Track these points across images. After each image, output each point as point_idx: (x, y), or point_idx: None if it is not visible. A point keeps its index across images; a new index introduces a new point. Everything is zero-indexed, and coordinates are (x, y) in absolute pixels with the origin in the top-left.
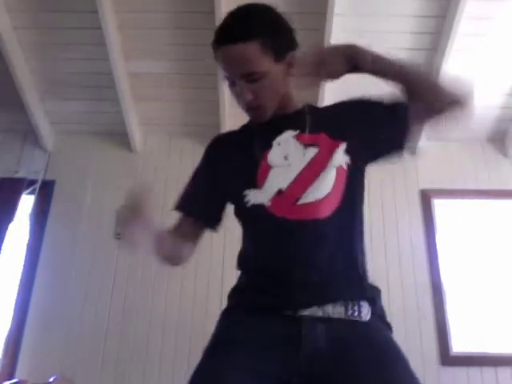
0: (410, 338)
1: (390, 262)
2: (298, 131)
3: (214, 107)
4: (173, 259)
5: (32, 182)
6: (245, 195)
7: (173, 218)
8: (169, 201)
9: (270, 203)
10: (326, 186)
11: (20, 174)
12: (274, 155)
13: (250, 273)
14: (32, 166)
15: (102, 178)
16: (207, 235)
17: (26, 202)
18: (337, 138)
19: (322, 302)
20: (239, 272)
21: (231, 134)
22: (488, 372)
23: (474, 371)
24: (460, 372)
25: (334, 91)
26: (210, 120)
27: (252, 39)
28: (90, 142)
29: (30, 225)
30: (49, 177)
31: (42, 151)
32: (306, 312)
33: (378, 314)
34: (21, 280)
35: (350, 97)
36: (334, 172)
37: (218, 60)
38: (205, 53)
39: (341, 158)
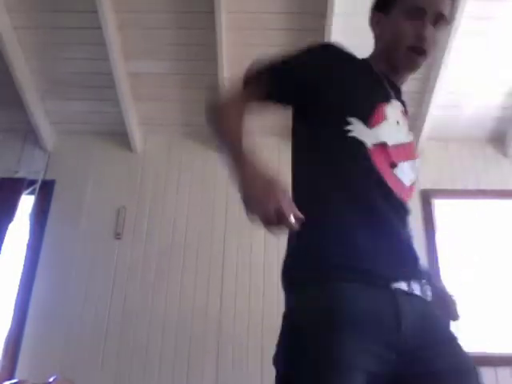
0: None
1: None
2: (402, 109)
3: None
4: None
5: (32, 182)
6: (348, 122)
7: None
8: (169, 201)
9: (371, 147)
10: (412, 176)
11: (20, 174)
12: (391, 113)
13: (334, 232)
14: (32, 166)
15: (102, 178)
16: (207, 235)
17: (26, 202)
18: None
19: (408, 278)
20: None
21: (351, 56)
22: (488, 372)
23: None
24: None
25: None
26: None
27: None
28: (90, 141)
29: (30, 225)
30: (49, 177)
31: (42, 151)
32: (396, 285)
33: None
34: (21, 280)
35: None
36: (415, 175)
37: None
38: (205, 53)
39: (418, 169)
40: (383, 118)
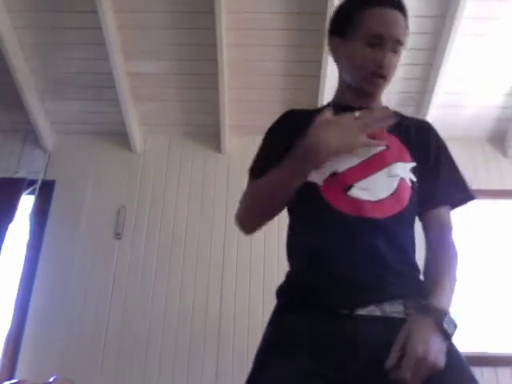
0: None
1: None
2: None
3: (214, 107)
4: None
5: (32, 182)
6: None
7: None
8: (169, 201)
9: (322, 184)
10: (383, 189)
11: (20, 174)
12: None
13: (302, 267)
14: (32, 166)
15: (102, 178)
16: (206, 235)
17: (26, 202)
18: (408, 149)
19: (379, 301)
20: (290, 262)
21: (305, 112)
22: (488, 372)
23: (473, 371)
24: None
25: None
26: (209, 120)
27: (406, 17)
28: (90, 141)
29: (30, 225)
30: (49, 177)
31: (42, 151)
32: (363, 311)
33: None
34: (21, 280)
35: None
36: (397, 180)
37: (370, 18)
38: (205, 53)
39: (405, 171)
40: None
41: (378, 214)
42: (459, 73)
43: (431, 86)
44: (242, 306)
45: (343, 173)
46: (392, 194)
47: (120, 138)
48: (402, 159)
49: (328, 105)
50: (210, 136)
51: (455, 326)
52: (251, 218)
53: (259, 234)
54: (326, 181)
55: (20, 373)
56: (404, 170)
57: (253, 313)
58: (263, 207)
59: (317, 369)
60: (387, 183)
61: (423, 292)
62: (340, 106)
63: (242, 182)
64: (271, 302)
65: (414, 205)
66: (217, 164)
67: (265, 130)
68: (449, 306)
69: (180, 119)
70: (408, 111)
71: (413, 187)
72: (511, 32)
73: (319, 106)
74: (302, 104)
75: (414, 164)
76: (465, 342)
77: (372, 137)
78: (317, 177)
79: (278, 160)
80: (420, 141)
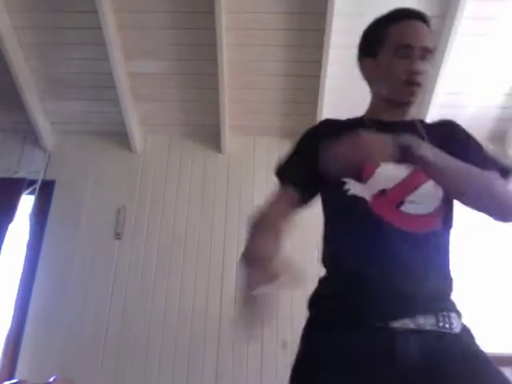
0: None
1: None
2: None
3: (214, 107)
4: None
5: (32, 182)
6: (344, 182)
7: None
8: (169, 201)
9: (372, 200)
10: (432, 201)
11: (20, 174)
12: None
13: (339, 277)
14: (32, 166)
15: (102, 178)
16: (206, 235)
17: (26, 202)
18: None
19: (413, 314)
20: (325, 270)
21: (339, 122)
22: None
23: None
24: None
25: (332, 105)
26: (210, 120)
27: (430, 28)
28: (90, 141)
29: (30, 225)
30: (49, 177)
31: (42, 151)
32: (397, 324)
33: (467, 327)
34: (21, 280)
35: (458, 124)
36: (440, 192)
37: (396, 31)
38: (205, 53)
39: None
40: (376, 166)
41: (425, 228)
42: (459, 73)
43: (431, 86)
44: None
45: (393, 189)
46: (439, 207)
47: (120, 138)
48: None
49: (362, 118)
50: (210, 136)
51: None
52: None
53: None
54: (376, 197)
55: (20, 373)
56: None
57: None
58: None
59: None
60: (435, 194)
61: (454, 305)
62: (374, 121)
63: (241, 181)
64: None
65: (451, 214)
66: (217, 164)
67: (265, 130)
68: (446, 162)
69: (180, 119)
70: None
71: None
72: (511, 32)
73: (348, 117)
74: (302, 104)
75: None
76: None
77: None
78: (364, 192)
79: (305, 168)
80: (449, 135)
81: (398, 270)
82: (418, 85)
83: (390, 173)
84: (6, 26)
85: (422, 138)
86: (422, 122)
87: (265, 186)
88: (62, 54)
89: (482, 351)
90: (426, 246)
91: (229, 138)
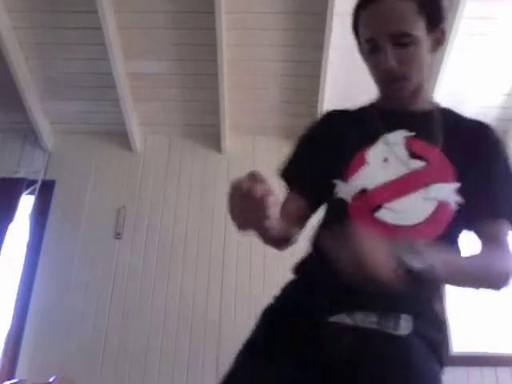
0: None
1: None
2: (412, 134)
3: (214, 107)
4: (279, 244)
5: (32, 182)
6: (335, 184)
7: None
8: (169, 201)
9: (350, 201)
10: (416, 213)
11: (20, 174)
12: (374, 153)
13: (303, 272)
14: (32, 166)
15: (102, 178)
16: (206, 235)
17: (26, 202)
18: (454, 165)
19: (351, 310)
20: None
21: (345, 113)
22: (488, 372)
23: (474, 371)
24: (460, 372)
25: (332, 104)
26: (210, 120)
27: (413, 2)
28: (89, 141)
29: (30, 225)
30: (49, 177)
31: (42, 151)
32: (334, 318)
33: (425, 335)
34: (21, 280)
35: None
36: (434, 204)
37: (361, 23)
38: (205, 53)
39: (447, 192)
40: (360, 164)
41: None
42: (459, 73)
43: (431, 86)
44: (241, 305)
45: (373, 191)
46: (426, 220)
47: (120, 138)
48: (443, 179)
49: (372, 107)
50: (210, 136)
51: (422, 265)
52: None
53: None
54: (355, 198)
55: (20, 373)
56: (445, 192)
57: (253, 313)
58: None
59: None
60: (422, 207)
61: (409, 306)
62: (381, 109)
63: None
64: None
65: (455, 231)
66: (217, 164)
67: (265, 130)
68: (441, 262)
69: (180, 119)
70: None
71: (457, 211)
72: (511, 32)
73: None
74: (302, 104)
75: (458, 185)
76: (465, 342)
77: (413, 151)
78: (345, 192)
79: (307, 164)
80: (473, 146)
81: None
82: (399, 79)
83: (375, 172)
84: (6, 26)
85: (437, 140)
86: (445, 111)
87: None
88: (62, 54)
89: (427, 365)
90: None
91: (229, 138)
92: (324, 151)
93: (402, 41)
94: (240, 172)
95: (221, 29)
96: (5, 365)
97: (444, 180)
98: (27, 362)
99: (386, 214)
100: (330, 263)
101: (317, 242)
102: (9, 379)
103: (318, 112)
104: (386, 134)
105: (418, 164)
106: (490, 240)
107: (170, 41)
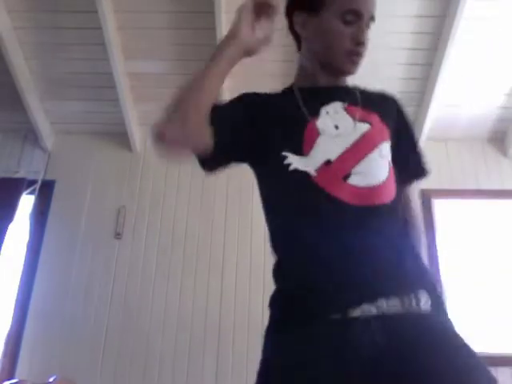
0: None
1: None
2: (347, 103)
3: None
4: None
5: (32, 182)
6: (284, 156)
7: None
8: (169, 201)
9: (316, 174)
10: (380, 171)
11: (20, 174)
12: (324, 122)
13: (292, 269)
14: (32, 166)
15: (102, 178)
16: (206, 235)
17: (26, 202)
18: (388, 125)
19: (373, 298)
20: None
21: (269, 94)
22: None
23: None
24: None
25: None
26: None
27: None
28: (89, 141)
29: (30, 225)
30: (49, 177)
31: (42, 151)
32: (357, 312)
33: (440, 304)
34: (21, 280)
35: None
36: (388, 161)
37: None
38: (205, 53)
39: (389, 151)
40: (316, 135)
41: (378, 200)
42: (459, 73)
43: (431, 86)
44: (241, 306)
45: (337, 161)
46: (389, 175)
47: (120, 138)
48: (385, 138)
49: (291, 88)
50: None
51: None
52: (176, 124)
53: (259, 234)
54: (320, 170)
55: (20, 373)
56: (389, 150)
57: (253, 313)
58: (191, 108)
59: None
60: (381, 164)
61: (422, 281)
62: (306, 89)
63: (242, 181)
64: None
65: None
66: None
67: None
68: None
69: None
70: (408, 111)
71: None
72: (511, 32)
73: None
74: None
75: (390, 143)
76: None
77: (355, 117)
78: (306, 165)
79: (242, 124)
80: (391, 112)
81: (352, 253)
82: (361, 55)
83: (332, 141)
84: (6, 26)
85: (371, 106)
86: (359, 88)
87: None
88: (62, 54)
89: (453, 330)
90: (381, 221)
91: None
92: (262, 122)
93: (370, 24)
94: (240, 172)
95: (221, 29)
96: (5, 365)
97: (386, 139)
98: (27, 362)
99: (356, 179)
100: (324, 258)
101: (291, 236)
102: (9, 379)
103: None
104: (325, 106)
105: (365, 127)
106: (409, 201)
107: (170, 41)
